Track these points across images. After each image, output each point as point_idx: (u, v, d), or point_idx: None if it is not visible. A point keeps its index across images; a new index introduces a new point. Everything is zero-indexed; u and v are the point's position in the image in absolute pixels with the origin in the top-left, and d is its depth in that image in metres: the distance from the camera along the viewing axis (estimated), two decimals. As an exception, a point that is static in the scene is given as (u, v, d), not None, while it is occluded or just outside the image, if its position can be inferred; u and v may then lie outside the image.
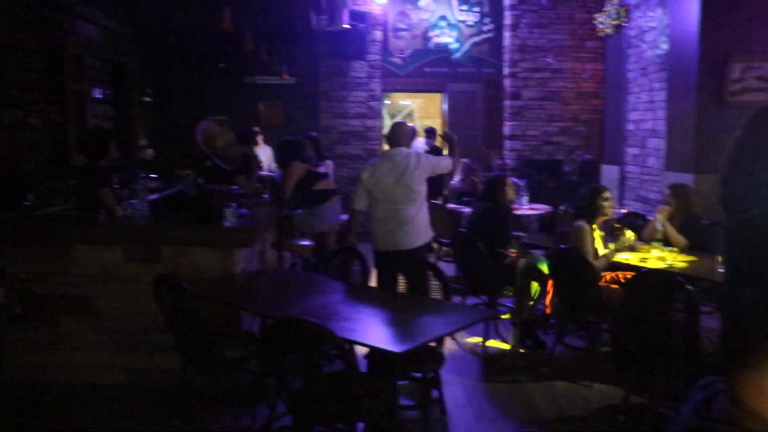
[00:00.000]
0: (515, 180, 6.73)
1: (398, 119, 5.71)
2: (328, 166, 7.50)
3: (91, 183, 5.06)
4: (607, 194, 4.97)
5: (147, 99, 10.08)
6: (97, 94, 8.22)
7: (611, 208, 5.05)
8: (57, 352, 4.60)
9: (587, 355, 5.13)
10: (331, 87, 10.38)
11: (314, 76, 10.37)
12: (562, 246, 4.87)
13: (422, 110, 14.85)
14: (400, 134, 5.01)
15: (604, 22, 8.78)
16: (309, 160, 6.54)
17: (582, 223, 4.84)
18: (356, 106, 10.43)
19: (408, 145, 5.06)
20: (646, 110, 7.89)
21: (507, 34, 10.70)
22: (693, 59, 6.65)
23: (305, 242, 6.21)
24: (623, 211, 6.66)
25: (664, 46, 7.40)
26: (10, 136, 6.19)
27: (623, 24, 8.47)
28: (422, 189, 4.94)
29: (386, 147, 5.10)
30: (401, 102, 14.58)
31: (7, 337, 4.56)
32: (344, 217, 7.58)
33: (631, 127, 8.39)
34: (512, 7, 10.55)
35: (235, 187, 5.09)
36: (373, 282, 4.93)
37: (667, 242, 5.28)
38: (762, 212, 2.98)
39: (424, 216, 4.98)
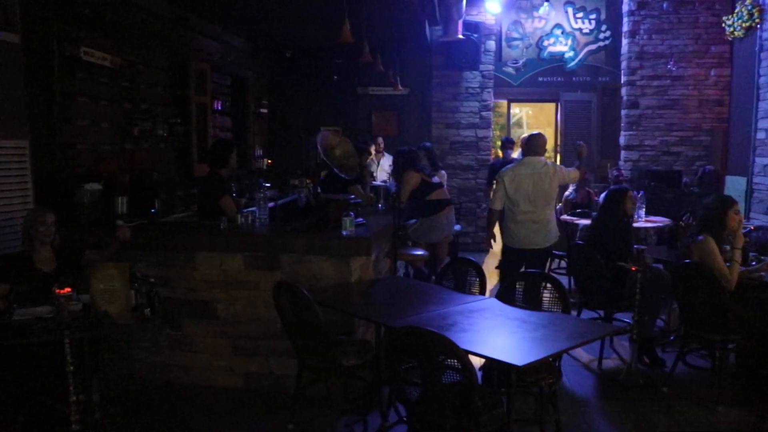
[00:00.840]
0: (635, 192, 6.52)
1: (534, 131, 5.88)
2: (442, 176, 7.52)
3: (213, 192, 5.29)
4: (737, 207, 4.73)
5: (263, 110, 10.46)
6: (218, 106, 8.62)
7: (740, 222, 4.78)
8: (179, 354, 4.85)
9: (712, 376, 4.88)
10: (444, 97, 10.41)
11: (427, 87, 10.44)
12: (687, 260, 4.67)
13: (532, 119, 14.64)
14: (538, 144, 5.69)
15: (733, 24, 8.34)
16: (423, 170, 6.59)
17: (707, 236, 4.62)
18: (468, 116, 10.41)
19: (542, 154, 5.72)
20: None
21: (625, 41, 10.37)
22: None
23: (419, 252, 6.25)
24: (751, 227, 6.31)
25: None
26: (140, 148, 6.59)
27: (756, 26, 8.01)
28: (555, 194, 5.65)
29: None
30: (511, 111, 14.43)
31: (134, 337, 4.84)
32: (457, 227, 7.60)
33: (762, 135, 7.92)
34: (631, 13, 10.22)
35: (352, 196, 5.20)
36: (489, 289, 4.91)
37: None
38: None
39: (554, 219, 5.72)
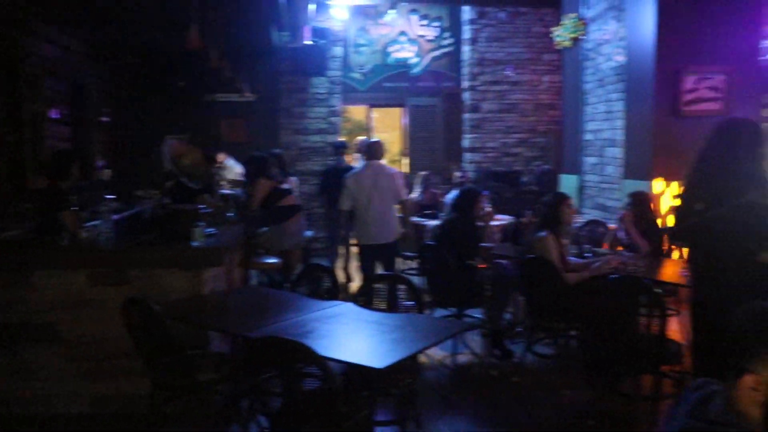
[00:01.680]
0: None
1: (374, 138, 6.34)
2: (292, 183, 7.48)
3: (52, 206, 4.93)
4: (569, 202, 5.06)
5: (105, 119, 9.91)
6: (55, 114, 8.06)
7: (572, 216, 5.14)
8: (18, 383, 4.45)
9: (557, 363, 5.20)
10: (292, 103, 10.37)
11: (275, 93, 10.34)
12: (529, 256, 4.94)
13: (379, 123, 14.90)
14: (379, 150, 6.39)
15: (561, 35, 8.95)
16: (274, 176, 6.52)
17: (546, 232, 4.91)
18: (317, 122, 10.44)
19: (381, 157, 6.42)
20: (604, 120, 8.06)
21: (466, 48, 10.85)
22: (649, 71, 6.83)
23: (271, 260, 6.16)
24: (582, 220, 6.77)
25: (621, 59, 7.58)
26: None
27: (580, 37, 8.64)
28: (396, 194, 6.30)
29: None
30: (357, 117, 14.61)
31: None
32: (309, 233, 7.57)
33: (589, 137, 8.55)
34: (471, 22, 10.71)
35: (201, 206, 5.04)
36: (346, 293, 4.93)
37: (629, 248, 5.40)
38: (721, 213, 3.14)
39: (396, 215, 6.38)
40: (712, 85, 6.58)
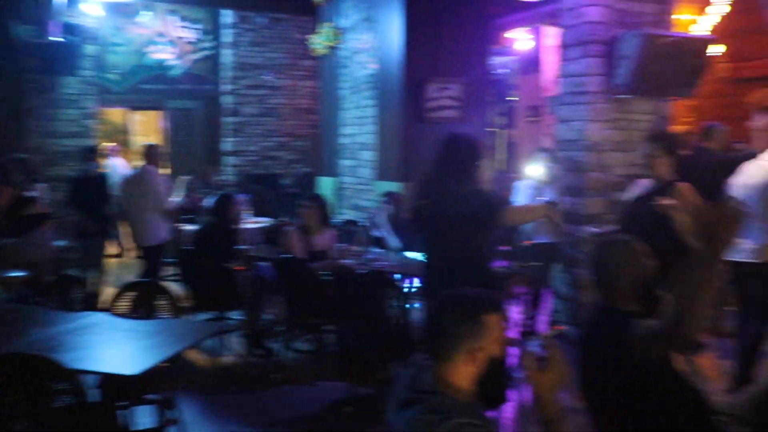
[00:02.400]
0: (240, 196, 6.86)
1: (149, 141, 6.33)
2: (39, 190, 6.93)
3: None
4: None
5: None
6: None
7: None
8: None
9: (315, 357, 5.42)
10: (40, 104, 9.56)
11: (19, 93, 9.46)
12: (287, 255, 5.11)
13: (139, 126, 14.30)
14: (155, 154, 6.61)
15: (318, 43, 9.27)
16: (17, 183, 6.02)
17: (292, 228, 5.13)
18: (68, 124, 9.73)
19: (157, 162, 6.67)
20: (358, 125, 8.51)
21: (227, 52, 10.80)
22: (397, 80, 7.35)
23: (17, 273, 5.69)
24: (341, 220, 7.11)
25: (373, 67, 8.05)
26: None
27: (336, 45, 9.03)
28: (154, 198, 6.35)
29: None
30: (115, 120, 13.88)
31: None
32: (61, 243, 7.08)
33: (345, 140, 8.97)
34: (232, 26, 10.68)
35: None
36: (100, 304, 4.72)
37: (381, 245, 5.80)
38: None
39: (158, 219, 6.43)
40: (451, 94, 7.26)
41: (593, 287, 2.67)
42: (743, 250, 4.41)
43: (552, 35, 8.55)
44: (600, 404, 2.62)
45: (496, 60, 10.15)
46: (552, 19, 5.99)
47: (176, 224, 7.45)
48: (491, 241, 3.95)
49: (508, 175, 8.05)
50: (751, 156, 4.60)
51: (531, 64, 10.18)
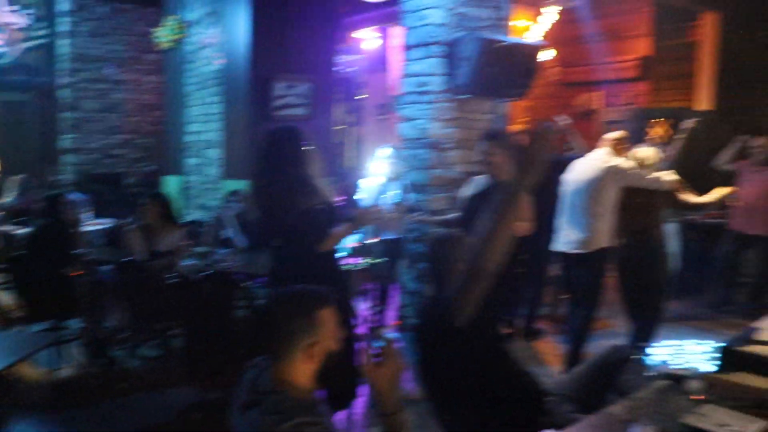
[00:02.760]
0: (78, 195, 6.50)
1: None
2: None
3: None
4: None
5: None
6: None
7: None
8: None
9: (162, 363, 5.24)
10: None
11: None
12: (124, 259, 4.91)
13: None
14: None
15: (162, 36, 8.92)
16: None
17: (132, 228, 4.96)
18: None
19: None
20: (204, 122, 8.30)
21: (63, 42, 10.13)
22: (244, 76, 7.25)
23: None
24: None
25: (220, 63, 7.88)
26: None
27: (181, 39, 8.73)
28: None
29: None
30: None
31: None
32: None
33: (191, 138, 8.72)
34: (69, 14, 10.02)
35: None
36: None
37: (227, 245, 5.71)
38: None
39: None
40: (299, 92, 7.26)
41: (430, 280, 2.79)
42: (571, 241, 4.77)
43: (398, 35, 8.77)
44: (437, 393, 2.73)
45: (345, 58, 10.28)
46: (397, 20, 6.14)
47: (7, 227, 6.95)
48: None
49: (357, 171, 8.16)
50: (580, 156, 5.04)
51: (379, 63, 10.41)
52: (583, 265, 4.81)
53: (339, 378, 2.05)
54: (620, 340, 4.76)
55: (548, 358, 5.44)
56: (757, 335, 3.43)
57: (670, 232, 5.13)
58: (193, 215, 7.97)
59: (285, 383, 1.95)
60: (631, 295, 4.98)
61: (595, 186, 4.67)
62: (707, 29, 8.70)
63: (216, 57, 7.98)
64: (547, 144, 2.34)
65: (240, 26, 7.32)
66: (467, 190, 4.77)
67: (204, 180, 8.37)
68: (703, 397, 2.62)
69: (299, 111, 7.21)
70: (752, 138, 6.57)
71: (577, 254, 4.79)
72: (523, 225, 3.94)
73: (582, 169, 4.83)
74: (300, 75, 7.31)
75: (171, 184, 9.01)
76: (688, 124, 6.79)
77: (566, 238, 4.86)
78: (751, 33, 8.46)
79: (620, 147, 4.93)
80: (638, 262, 4.89)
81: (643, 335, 4.95)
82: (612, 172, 4.67)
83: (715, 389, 2.76)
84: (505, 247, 2.39)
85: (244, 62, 7.25)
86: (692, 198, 5.21)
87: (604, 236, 4.73)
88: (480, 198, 4.43)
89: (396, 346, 2.06)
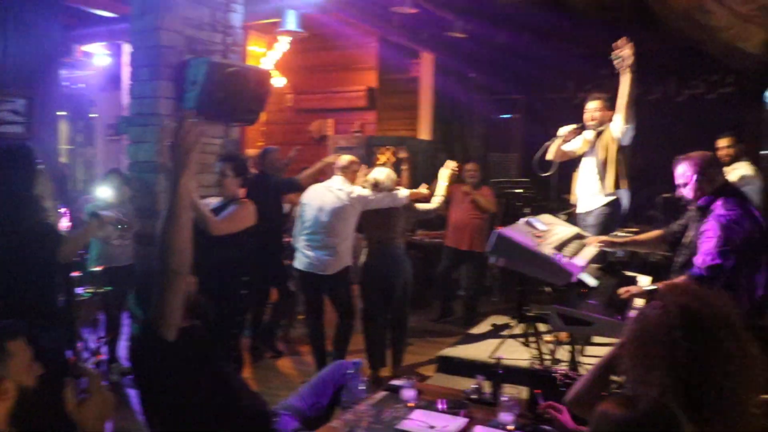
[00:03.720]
0: None
1: None
2: None
3: None
4: None
5: None
6: None
7: None
8: None
9: None
10: None
11: None
12: None
13: None
14: None
15: None
16: None
17: None
18: None
19: None
20: None
21: None
22: None
23: None
24: None
25: None
26: None
27: None
28: None
29: None
30: None
31: None
32: None
33: None
34: None
35: None
36: None
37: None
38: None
39: None
40: (15, 108, 6.65)
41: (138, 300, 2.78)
42: (318, 263, 5.12)
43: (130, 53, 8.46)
44: (157, 415, 2.71)
45: (72, 74, 9.67)
46: (127, 37, 5.93)
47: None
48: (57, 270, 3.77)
49: (84, 195, 7.67)
50: (293, 182, 5.88)
51: (112, 80, 9.91)
52: (335, 284, 5.24)
53: (30, 415, 1.91)
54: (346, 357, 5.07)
55: (287, 376, 5.62)
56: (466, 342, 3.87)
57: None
58: None
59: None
60: (373, 302, 5.38)
61: (339, 213, 5.11)
62: (426, 67, 9.60)
63: None
64: (188, 134, 2.45)
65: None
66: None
67: None
68: (414, 404, 2.91)
69: (16, 129, 6.59)
70: (463, 164, 7.37)
71: (327, 276, 5.11)
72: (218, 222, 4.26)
73: (322, 195, 5.17)
74: (16, 89, 6.69)
75: None
76: (401, 153, 7.48)
77: (310, 259, 5.14)
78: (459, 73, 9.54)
79: (351, 172, 5.33)
80: (381, 270, 5.35)
81: (374, 348, 5.34)
82: (356, 201, 5.13)
83: (425, 394, 3.08)
84: (185, 244, 2.47)
85: None
86: (422, 206, 5.73)
87: (348, 255, 5.26)
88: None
89: (100, 381, 1.97)
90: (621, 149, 5.29)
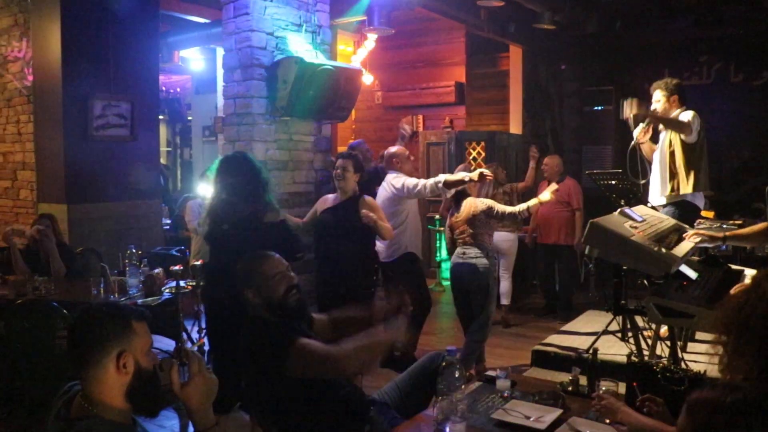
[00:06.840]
0: None
1: None
2: None
3: None
4: None
5: None
6: None
7: None
8: None
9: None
10: None
11: None
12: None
13: None
14: None
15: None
16: None
17: None
18: None
19: None
20: (15, 142, 7.78)
21: None
22: (57, 94, 6.85)
23: None
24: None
25: (30, 79, 7.42)
26: None
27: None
28: None
29: None
30: None
31: None
32: None
33: (-1, 160, 8.13)
34: None
35: None
36: None
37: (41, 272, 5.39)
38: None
39: None
40: (120, 112, 7.00)
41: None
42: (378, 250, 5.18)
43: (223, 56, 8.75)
44: (260, 402, 2.80)
45: (170, 78, 10.09)
46: (220, 41, 6.15)
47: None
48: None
49: (184, 194, 8.00)
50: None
51: (207, 83, 10.29)
52: (395, 270, 5.31)
53: (146, 394, 1.99)
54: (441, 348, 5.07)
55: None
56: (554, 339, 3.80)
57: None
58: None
59: (95, 404, 1.88)
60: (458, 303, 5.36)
61: (385, 202, 5.26)
62: (515, 60, 9.47)
63: (27, 73, 7.52)
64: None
65: (51, 42, 6.94)
66: (320, 206, 4.96)
67: (16, 204, 7.83)
68: (508, 394, 2.89)
69: (121, 131, 6.95)
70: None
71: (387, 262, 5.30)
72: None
73: (381, 190, 5.38)
74: (121, 94, 7.05)
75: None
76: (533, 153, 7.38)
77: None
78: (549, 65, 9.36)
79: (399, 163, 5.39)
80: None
81: (472, 341, 5.29)
82: (398, 190, 5.21)
83: (521, 386, 3.05)
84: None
85: (57, 79, 6.86)
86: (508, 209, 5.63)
87: (403, 243, 5.39)
88: (333, 212, 4.67)
89: (201, 363, 2.01)
90: (692, 147, 5.02)
